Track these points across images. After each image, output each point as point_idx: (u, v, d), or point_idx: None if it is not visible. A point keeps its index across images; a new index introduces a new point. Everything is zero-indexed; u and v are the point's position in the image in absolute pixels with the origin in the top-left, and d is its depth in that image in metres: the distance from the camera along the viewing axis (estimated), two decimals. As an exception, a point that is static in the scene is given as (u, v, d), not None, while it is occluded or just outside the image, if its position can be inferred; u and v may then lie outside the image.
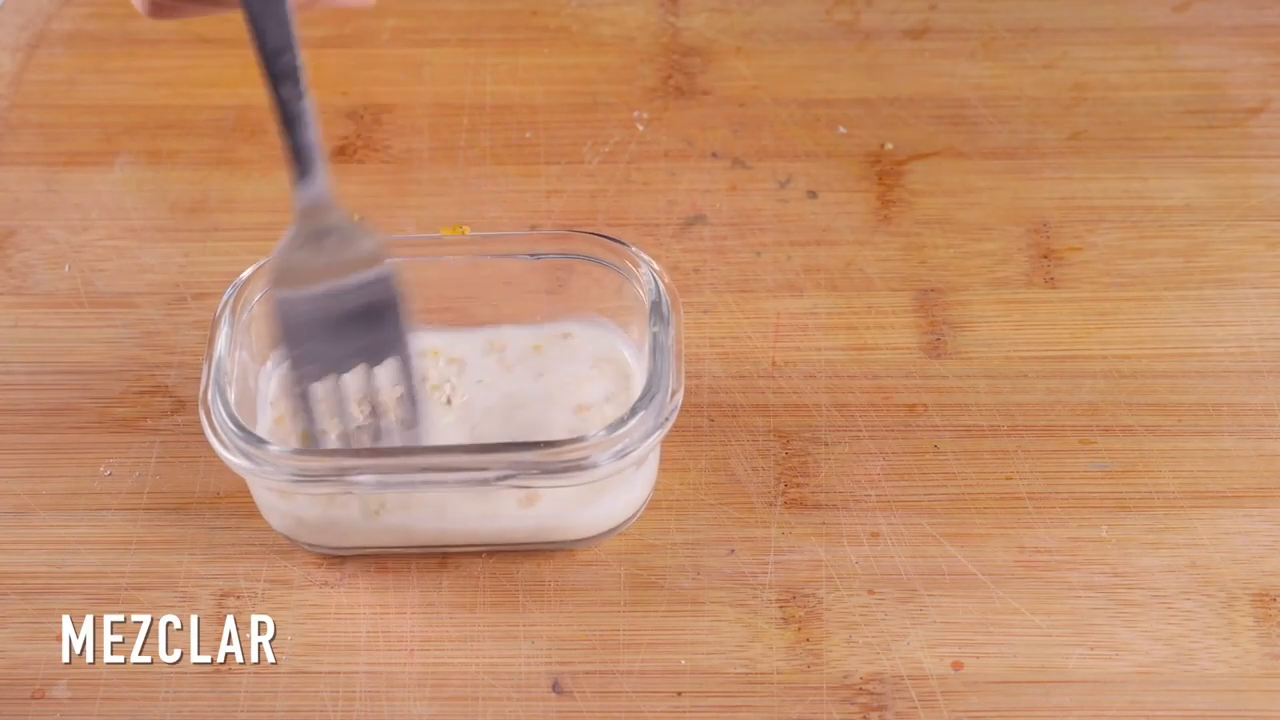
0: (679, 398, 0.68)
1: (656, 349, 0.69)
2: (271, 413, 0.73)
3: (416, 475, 0.67)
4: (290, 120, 0.63)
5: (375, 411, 0.70)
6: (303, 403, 0.69)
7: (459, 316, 0.75)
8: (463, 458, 0.67)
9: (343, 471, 0.66)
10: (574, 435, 0.69)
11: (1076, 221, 0.83)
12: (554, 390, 0.74)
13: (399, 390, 0.70)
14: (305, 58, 0.62)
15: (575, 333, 0.76)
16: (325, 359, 0.68)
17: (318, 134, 0.64)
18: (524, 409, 0.74)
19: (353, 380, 0.69)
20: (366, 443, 0.70)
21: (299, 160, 0.64)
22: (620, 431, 0.67)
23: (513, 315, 0.75)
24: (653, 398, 0.67)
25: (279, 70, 0.62)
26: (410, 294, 0.70)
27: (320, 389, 0.69)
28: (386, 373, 0.69)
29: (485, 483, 0.67)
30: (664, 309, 0.70)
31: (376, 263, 0.67)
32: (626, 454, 0.67)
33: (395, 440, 0.70)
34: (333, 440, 0.70)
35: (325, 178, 0.65)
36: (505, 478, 0.66)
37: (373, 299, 0.68)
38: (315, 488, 0.67)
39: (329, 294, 0.67)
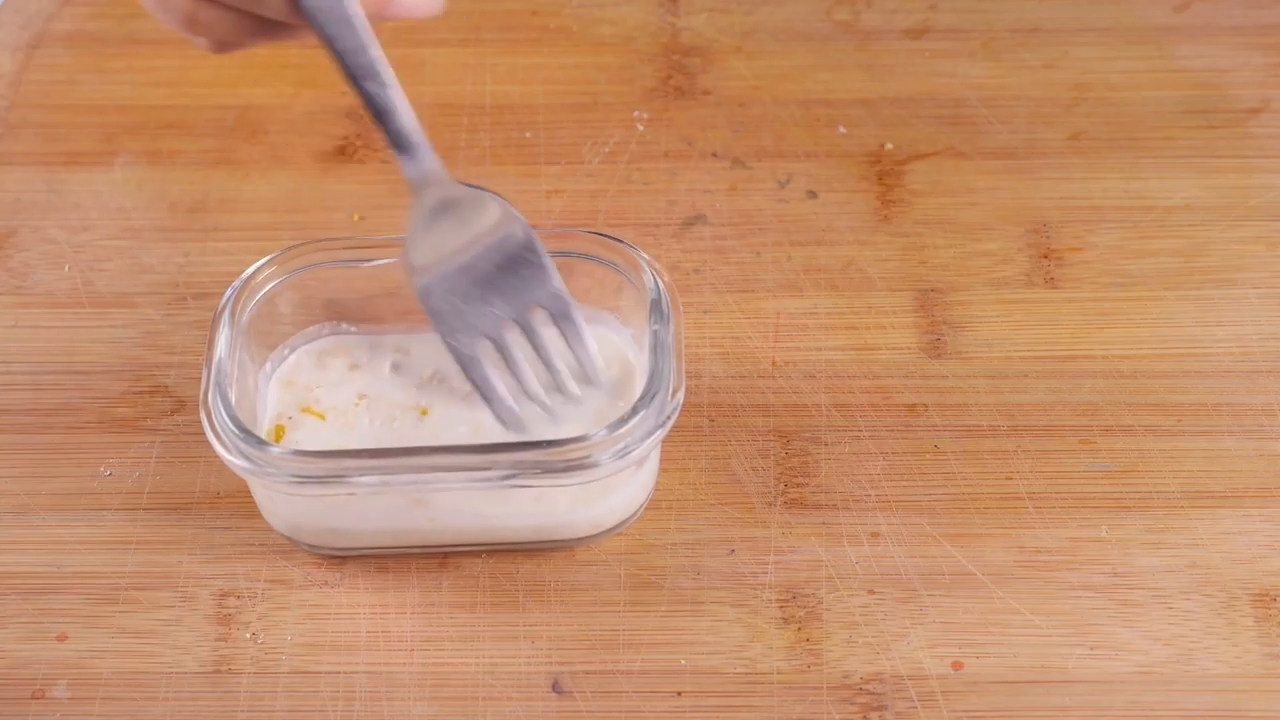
0: (680, 396, 0.68)
1: (657, 347, 0.69)
2: (274, 409, 0.73)
3: (418, 475, 0.67)
4: (382, 113, 0.66)
5: (549, 368, 0.71)
6: (470, 372, 0.69)
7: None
8: (465, 458, 0.67)
9: (344, 472, 0.66)
10: (575, 435, 0.69)
11: (1076, 221, 0.83)
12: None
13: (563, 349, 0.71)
14: (384, 56, 0.65)
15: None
16: (482, 328, 0.69)
17: (413, 118, 0.66)
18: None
19: (519, 346, 0.70)
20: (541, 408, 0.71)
21: (400, 144, 0.67)
22: (621, 430, 0.67)
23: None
24: (654, 396, 0.67)
25: (358, 69, 0.64)
26: (391, 291, 0.71)
27: (486, 358, 0.70)
28: (548, 330, 0.70)
29: (488, 482, 0.67)
30: (664, 307, 0.70)
31: (506, 224, 0.69)
32: (628, 453, 0.67)
33: (574, 394, 0.71)
34: (512, 403, 0.70)
35: (431, 155, 0.67)
36: (508, 477, 0.67)
37: (512, 257, 0.69)
38: (316, 489, 0.67)
39: (468, 266, 0.69)
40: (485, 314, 0.69)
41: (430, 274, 0.69)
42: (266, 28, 0.65)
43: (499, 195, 0.69)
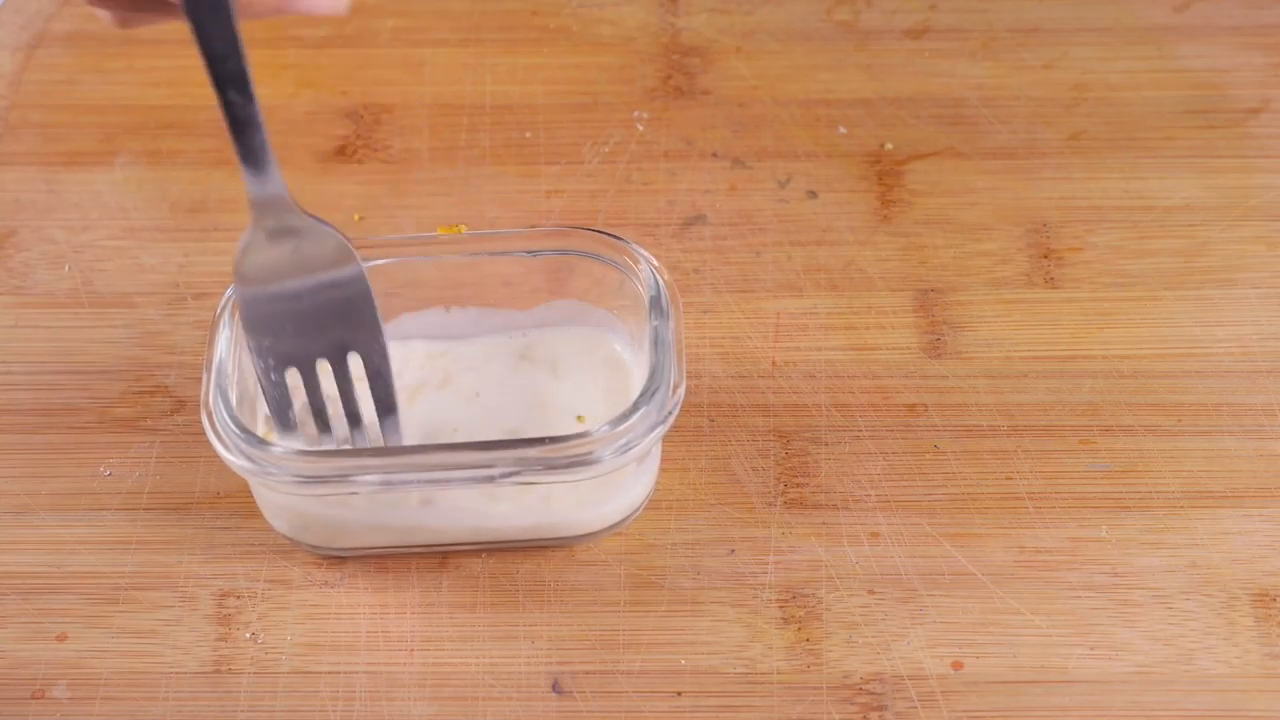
0: (681, 392, 0.68)
1: (657, 344, 0.69)
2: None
3: (421, 474, 0.67)
4: (239, 124, 0.63)
5: (351, 402, 0.70)
6: (269, 391, 0.69)
7: (458, 315, 0.75)
8: (466, 455, 0.67)
9: (346, 472, 0.66)
10: (577, 431, 0.69)
11: (1076, 221, 0.83)
12: (555, 388, 0.74)
13: (366, 384, 0.69)
14: (252, 61, 0.62)
15: (575, 330, 0.76)
16: (291, 353, 0.68)
17: (266, 136, 0.63)
18: (524, 407, 0.74)
19: (325, 374, 0.69)
20: (338, 432, 0.70)
21: (251, 161, 0.64)
22: (623, 427, 0.67)
23: (512, 313, 0.75)
24: (654, 393, 0.67)
25: (225, 75, 0.61)
26: (391, 291, 0.70)
27: (289, 378, 0.69)
28: (356, 366, 0.69)
29: (490, 479, 0.67)
30: (663, 303, 0.70)
31: (342, 262, 0.67)
32: (629, 449, 0.67)
33: (366, 432, 0.71)
34: (299, 427, 0.70)
35: (279, 177, 0.65)
36: (509, 474, 0.67)
37: (339, 298, 0.67)
38: (318, 489, 0.67)
39: (293, 292, 0.67)
40: (299, 344, 0.68)
41: (255, 286, 0.67)
42: (158, 6, 0.64)
43: (344, 237, 0.67)
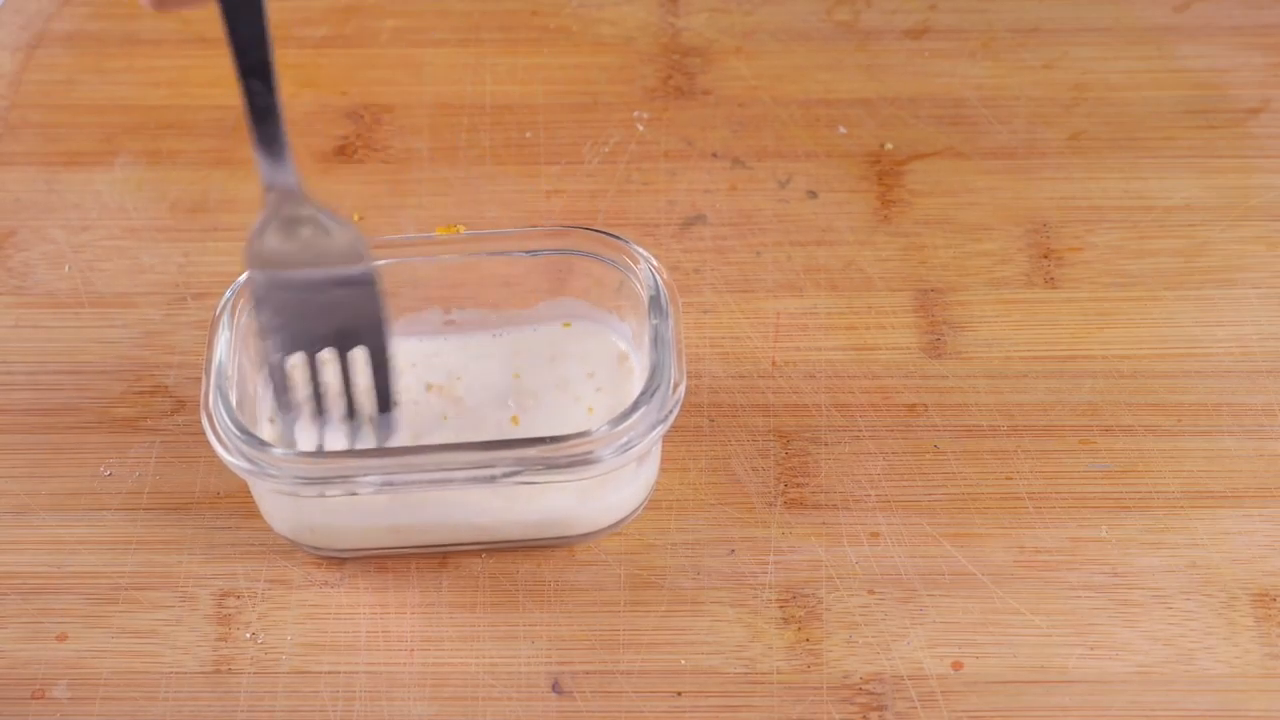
0: (681, 391, 0.68)
1: (657, 343, 0.69)
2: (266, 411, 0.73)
3: (421, 475, 0.67)
4: (260, 113, 0.63)
5: (350, 394, 0.70)
6: (272, 375, 0.69)
7: (457, 315, 0.75)
8: (467, 455, 0.67)
9: (346, 473, 0.67)
10: (577, 431, 0.69)
11: (1076, 221, 0.83)
12: (555, 387, 0.74)
13: (370, 378, 0.70)
14: (277, 54, 0.63)
15: (575, 330, 0.76)
16: (297, 338, 0.69)
17: (284, 127, 0.64)
18: (525, 407, 0.74)
19: (328, 362, 0.69)
20: (339, 425, 0.71)
21: (268, 150, 0.64)
22: (623, 426, 0.67)
23: (512, 313, 0.75)
24: (655, 392, 0.68)
25: (250, 64, 0.62)
26: (390, 291, 0.70)
27: (293, 365, 0.69)
28: (361, 358, 0.69)
29: (491, 479, 0.67)
30: (663, 302, 0.70)
31: (354, 258, 0.67)
32: (630, 448, 0.67)
33: (367, 427, 0.71)
34: (303, 417, 0.70)
35: (293, 167, 0.65)
36: (510, 474, 0.67)
37: (349, 292, 0.68)
38: (318, 490, 0.67)
39: (304, 281, 0.67)
40: (305, 330, 0.68)
41: (267, 271, 0.67)
42: None
43: (359, 233, 0.67)
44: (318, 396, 0.70)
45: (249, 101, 0.63)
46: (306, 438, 0.71)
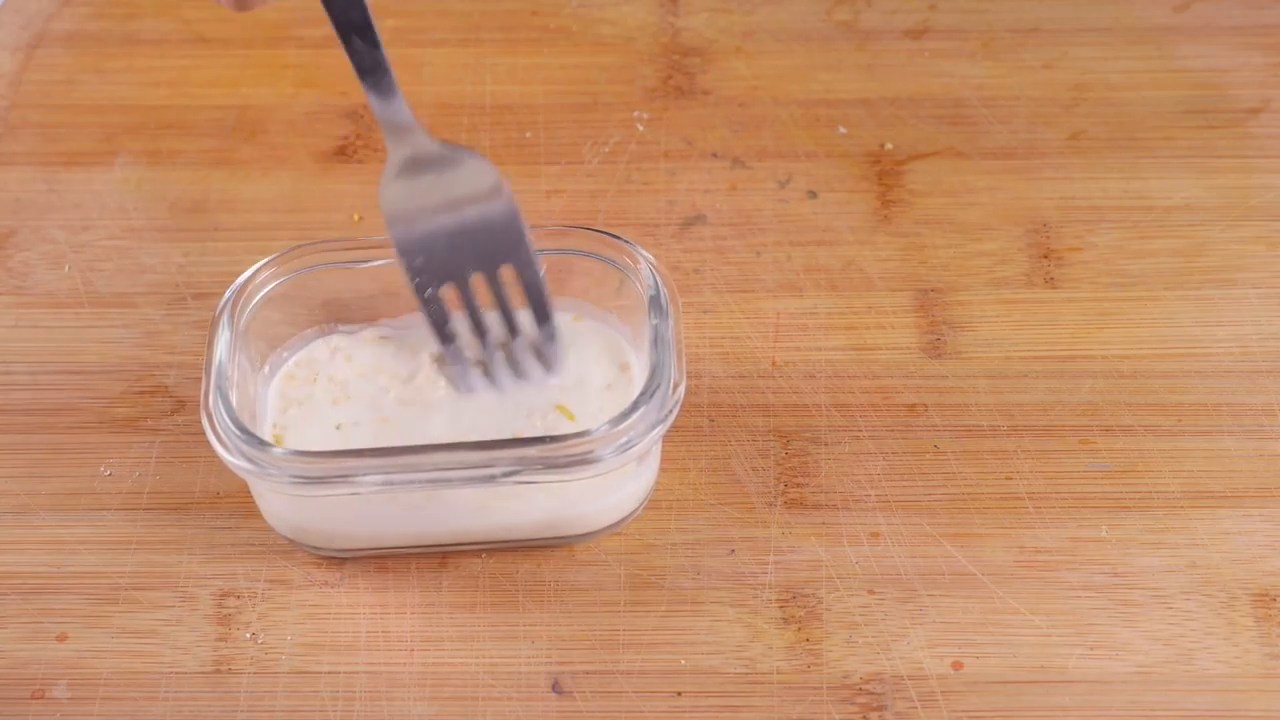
0: (681, 391, 0.68)
1: (657, 342, 0.69)
2: (280, 406, 0.73)
3: (421, 474, 0.67)
4: (368, 70, 0.67)
5: (508, 322, 0.72)
6: (425, 308, 0.71)
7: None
8: (467, 455, 0.67)
9: (345, 473, 0.67)
10: (577, 431, 0.69)
11: (1076, 221, 0.83)
12: (554, 387, 0.74)
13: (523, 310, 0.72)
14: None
15: (575, 330, 0.75)
16: (442, 269, 0.71)
17: (393, 75, 0.67)
18: (524, 407, 0.74)
19: (479, 291, 0.72)
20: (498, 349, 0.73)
21: (382, 99, 0.68)
22: (623, 425, 0.67)
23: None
24: (655, 392, 0.68)
25: (351, 23, 0.65)
26: (393, 291, 0.73)
27: (445, 299, 0.71)
28: (510, 275, 0.71)
29: (491, 479, 0.67)
30: (663, 302, 0.70)
31: (486, 183, 0.70)
32: (630, 448, 0.67)
33: (523, 340, 0.73)
34: (464, 348, 0.72)
35: (407, 109, 0.68)
36: (510, 473, 0.67)
37: (487, 215, 0.70)
38: (318, 490, 0.67)
39: (441, 216, 0.70)
40: (450, 261, 0.71)
41: (401, 214, 0.70)
42: None
43: (488, 161, 0.70)
44: (475, 325, 0.72)
45: (355, 60, 0.66)
46: (471, 372, 0.73)
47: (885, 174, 0.85)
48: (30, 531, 0.73)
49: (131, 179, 0.86)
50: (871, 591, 0.71)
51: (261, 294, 0.72)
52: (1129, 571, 0.71)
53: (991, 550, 0.72)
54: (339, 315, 0.75)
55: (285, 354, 0.75)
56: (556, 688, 0.68)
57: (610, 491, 0.70)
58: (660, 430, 0.67)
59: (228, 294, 0.71)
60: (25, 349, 0.79)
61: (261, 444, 0.67)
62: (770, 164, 0.85)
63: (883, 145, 0.86)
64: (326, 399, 0.73)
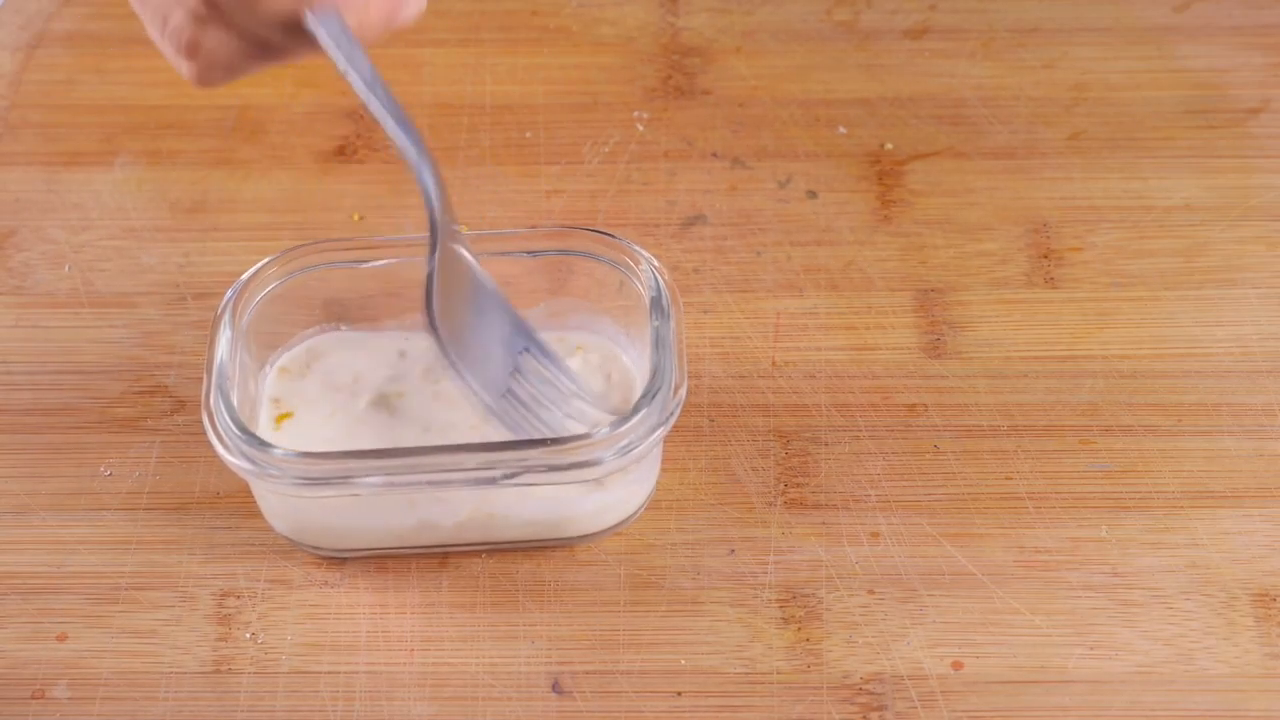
0: (683, 393, 0.68)
1: (658, 344, 0.69)
2: (273, 410, 0.73)
3: (422, 475, 0.67)
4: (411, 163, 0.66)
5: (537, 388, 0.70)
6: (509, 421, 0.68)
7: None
8: (468, 457, 0.67)
9: (346, 473, 0.66)
10: (578, 433, 0.69)
11: (1076, 221, 0.83)
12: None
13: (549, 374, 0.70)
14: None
15: (576, 330, 0.75)
16: (503, 376, 0.69)
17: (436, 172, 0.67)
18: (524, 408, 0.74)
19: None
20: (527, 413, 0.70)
21: (431, 195, 0.66)
22: (624, 428, 0.67)
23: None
24: (656, 394, 0.67)
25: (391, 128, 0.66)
26: (392, 292, 0.72)
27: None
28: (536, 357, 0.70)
29: (492, 481, 0.67)
30: (664, 303, 0.70)
31: (487, 277, 0.68)
32: (630, 450, 0.67)
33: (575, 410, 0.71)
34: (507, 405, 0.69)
35: (446, 205, 0.67)
36: (511, 475, 0.67)
37: (500, 308, 0.69)
38: (318, 490, 0.67)
39: (478, 320, 0.69)
40: (499, 361, 0.69)
41: (451, 329, 0.66)
42: (268, 53, 0.65)
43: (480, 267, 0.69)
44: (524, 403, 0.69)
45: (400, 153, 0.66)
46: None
47: (885, 174, 0.85)
48: (30, 531, 0.73)
49: (131, 179, 0.86)
50: (871, 591, 0.71)
51: (263, 293, 0.72)
52: (1129, 571, 0.71)
53: (991, 550, 0.72)
54: (340, 315, 0.75)
55: (285, 353, 0.75)
56: (556, 688, 0.68)
57: (611, 492, 0.70)
58: (661, 432, 0.67)
59: (229, 293, 0.71)
60: (25, 349, 0.79)
61: (262, 444, 0.67)
62: (770, 164, 0.85)
63: (883, 145, 0.86)
64: (323, 395, 0.73)
